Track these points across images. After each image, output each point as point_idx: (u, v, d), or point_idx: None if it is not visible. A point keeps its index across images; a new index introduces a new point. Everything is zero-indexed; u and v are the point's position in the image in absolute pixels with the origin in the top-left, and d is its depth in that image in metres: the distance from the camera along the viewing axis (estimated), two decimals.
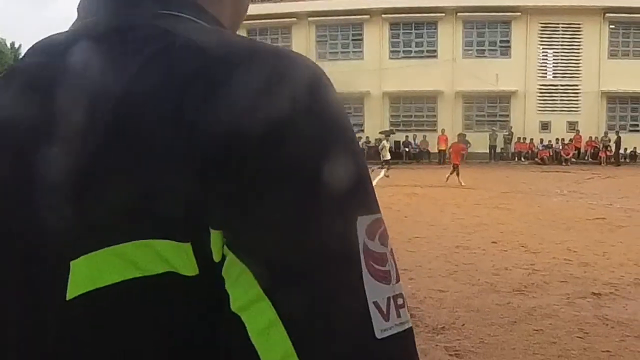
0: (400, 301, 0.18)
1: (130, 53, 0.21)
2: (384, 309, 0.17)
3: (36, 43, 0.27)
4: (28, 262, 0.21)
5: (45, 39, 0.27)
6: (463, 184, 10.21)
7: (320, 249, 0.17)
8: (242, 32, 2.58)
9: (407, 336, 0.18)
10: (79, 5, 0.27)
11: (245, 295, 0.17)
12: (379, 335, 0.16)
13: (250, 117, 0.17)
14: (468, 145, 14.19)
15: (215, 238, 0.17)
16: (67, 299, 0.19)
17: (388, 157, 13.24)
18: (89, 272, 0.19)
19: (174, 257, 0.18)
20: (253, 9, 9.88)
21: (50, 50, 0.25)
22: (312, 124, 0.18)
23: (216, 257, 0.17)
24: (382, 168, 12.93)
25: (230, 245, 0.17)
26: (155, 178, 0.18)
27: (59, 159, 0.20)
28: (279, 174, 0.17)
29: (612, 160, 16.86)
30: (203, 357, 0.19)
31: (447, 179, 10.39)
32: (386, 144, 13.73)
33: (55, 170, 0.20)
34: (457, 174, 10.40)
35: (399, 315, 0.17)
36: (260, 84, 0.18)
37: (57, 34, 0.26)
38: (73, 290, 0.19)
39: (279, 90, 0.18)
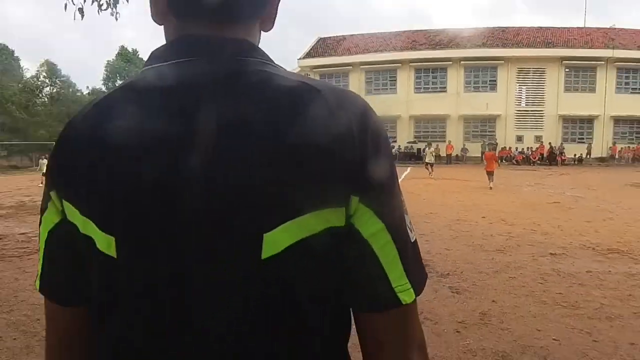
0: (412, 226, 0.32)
1: (259, 88, 0.29)
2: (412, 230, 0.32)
3: (151, 69, 0.31)
4: (225, 235, 0.27)
5: (166, 67, 0.30)
6: (491, 186, 10.38)
7: (402, 206, 0.31)
8: (315, 77, 12.21)
9: (417, 243, 0.32)
10: (166, 48, 0.32)
11: (373, 227, 0.28)
12: (412, 239, 0.31)
13: (352, 135, 0.27)
14: (494, 148, 16.64)
15: (354, 201, 0.28)
16: (264, 257, 0.26)
17: (432, 160, 14.71)
18: (283, 237, 0.26)
19: (333, 218, 0.27)
20: (323, 60, 20.76)
21: (185, 82, 0.29)
22: (381, 132, 0.31)
23: (352, 212, 0.28)
24: (425, 168, 14.69)
25: (364, 202, 0.28)
26: (320, 177, 0.27)
27: (223, 184, 0.27)
28: (385, 173, 0.30)
29: (565, 162, 20.31)
30: (341, 275, 0.29)
31: (491, 181, 10.55)
32: (428, 151, 15.59)
33: (223, 188, 0.27)
34: (491, 178, 10.61)
35: (412, 231, 0.32)
36: (356, 111, 0.30)
37: (172, 64, 0.30)
38: (272, 248, 0.26)
39: (365, 114, 0.30)
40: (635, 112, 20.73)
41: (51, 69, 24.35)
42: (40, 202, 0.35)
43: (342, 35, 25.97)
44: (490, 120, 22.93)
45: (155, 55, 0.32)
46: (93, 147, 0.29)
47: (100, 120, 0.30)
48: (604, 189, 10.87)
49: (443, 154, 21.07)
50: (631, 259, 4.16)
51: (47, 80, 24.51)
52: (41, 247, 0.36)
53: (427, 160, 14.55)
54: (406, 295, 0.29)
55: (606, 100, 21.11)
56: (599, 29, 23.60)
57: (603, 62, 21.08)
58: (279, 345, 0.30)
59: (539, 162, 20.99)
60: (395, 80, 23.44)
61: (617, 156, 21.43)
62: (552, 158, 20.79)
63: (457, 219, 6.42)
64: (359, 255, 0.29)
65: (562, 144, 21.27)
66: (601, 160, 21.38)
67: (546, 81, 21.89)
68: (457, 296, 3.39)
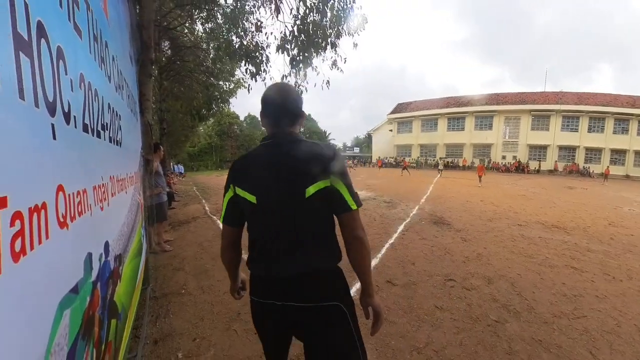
0: (357, 196, 1.01)
1: (297, 150, 0.98)
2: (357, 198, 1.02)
3: (261, 144, 1.04)
4: (287, 190, 0.96)
5: (263, 147, 1.04)
6: (480, 185, 14.48)
7: (350, 179, 0.99)
8: (396, 123, 44.83)
9: (358, 211, 1.01)
10: (268, 131, 1.06)
11: (341, 186, 0.97)
12: (355, 207, 1.01)
13: (329, 157, 0.98)
14: (483, 164, 22.77)
15: (331, 177, 0.96)
16: (306, 197, 0.94)
17: (442, 168, 23.23)
18: (311, 189, 0.94)
19: (324, 182, 0.96)
20: (400, 114, 45.38)
21: (265, 149, 1.02)
22: (340, 157, 0.99)
23: (330, 181, 0.97)
24: (438, 173, 22.29)
25: (334, 177, 0.96)
26: (321, 173, 0.95)
27: (285, 184, 0.97)
28: (341, 169, 0.98)
29: (529, 172, 29.75)
30: (331, 211, 1.01)
31: (480, 182, 15.08)
32: (440, 163, 25.89)
33: (285, 186, 0.97)
34: (480, 180, 15.24)
35: (358, 200, 1.02)
36: (329, 150, 1.00)
37: (266, 143, 1.03)
38: (308, 194, 0.93)
39: (331, 151, 1.01)
40: (572, 143, 31.46)
41: None
42: (224, 187, 1.08)
43: (410, 101, 45.68)
44: (487, 147, 35.46)
45: (263, 140, 1.03)
46: (245, 167, 1.02)
47: (247, 158, 1.03)
48: (550, 189, 13.98)
49: (461, 164, 35.30)
50: (565, 232, 5.52)
51: None
52: (224, 206, 1.05)
53: (439, 168, 23.28)
54: (354, 206, 0.92)
55: (554, 135, 31.90)
56: (553, 92, 34.59)
57: (554, 112, 31.60)
58: (313, 230, 0.96)
59: (514, 171, 31.14)
60: (436, 124, 38.58)
61: (559, 170, 31.19)
62: (521, 169, 31.35)
63: (466, 201, 9.33)
64: (335, 193, 0.91)
65: (527, 160, 32.65)
66: (549, 171, 31.04)
67: (520, 124, 33.55)
68: (464, 243, 4.78)
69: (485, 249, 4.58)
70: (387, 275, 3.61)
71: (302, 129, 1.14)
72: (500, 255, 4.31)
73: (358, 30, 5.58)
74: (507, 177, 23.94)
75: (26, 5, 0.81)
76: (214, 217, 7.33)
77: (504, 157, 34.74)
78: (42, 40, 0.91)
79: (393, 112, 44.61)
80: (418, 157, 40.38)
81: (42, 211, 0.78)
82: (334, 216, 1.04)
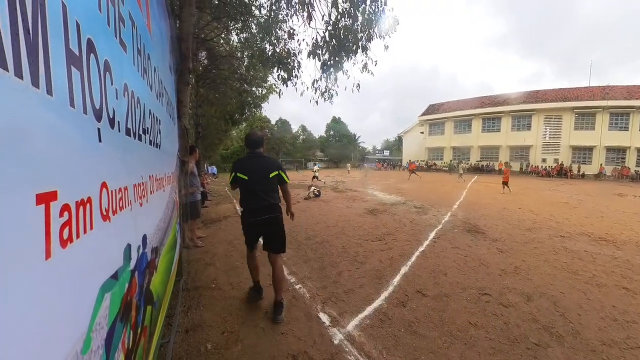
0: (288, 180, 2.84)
1: (263, 159, 2.80)
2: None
3: (246, 156, 2.88)
4: (261, 176, 2.75)
5: (247, 157, 2.86)
6: (510, 191, 13.14)
7: (285, 171, 2.85)
8: (427, 125, 43.42)
9: (288, 183, 2.87)
10: (247, 145, 2.84)
11: (283, 174, 2.82)
12: (288, 182, 2.86)
13: (279, 164, 2.85)
14: (510, 167, 19.70)
15: (279, 171, 2.82)
16: (270, 177, 2.77)
17: (462, 172, 21.01)
18: (273, 175, 2.78)
19: (276, 172, 2.80)
20: (431, 116, 43.06)
21: (248, 158, 2.82)
22: (282, 164, 2.87)
23: (277, 172, 2.80)
24: (460, 176, 20.68)
25: (280, 172, 2.81)
26: (275, 169, 2.79)
27: (260, 172, 2.76)
28: (283, 168, 2.83)
29: (572, 177, 26.00)
30: (278, 183, 2.85)
31: (505, 188, 13.23)
32: (461, 166, 22.66)
33: (260, 172, 2.76)
34: (506, 185, 13.28)
35: (288, 178, 2.87)
36: (278, 161, 2.88)
37: (249, 155, 2.86)
38: (271, 176, 2.79)
39: (279, 162, 2.88)
40: (621, 144, 27.59)
41: (303, 127, 53.67)
42: (230, 173, 2.88)
43: (442, 102, 43.99)
44: (525, 149, 32.67)
45: (248, 152, 2.86)
46: (241, 163, 2.82)
47: (242, 160, 2.84)
48: (597, 196, 12.73)
49: (497, 168, 31.97)
50: (615, 247, 4.90)
51: (300, 131, 54.13)
52: (230, 181, 2.86)
53: (460, 172, 20.85)
54: (288, 181, 2.80)
55: (601, 135, 28.37)
56: (598, 86, 31.19)
57: (600, 109, 28.09)
58: (272, 194, 2.80)
59: (555, 175, 27.54)
60: (470, 126, 36.38)
61: (605, 173, 27.09)
62: (563, 173, 27.49)
63: (502, 208, 8.66)
64: (281, 177, 2.78)
65: (570, 164, 29.08)
66: (595, 176, 27.18)
67: (562, 123, 30.16)
68: (501, 254, 4.45)
69: (523, 262, 4.22)
70: (417, 284, 3.47)
71: (263, 149, 2.93)
72: (540, 269, 3.97)
73: (389, 33, 5.51)
74: (547, 182, 21.90)
75: (78, 25, 0.92)
76: None
77: (544, 160, 31.75)
78: (92, 55, 1.02)
79: (424, 113, 42.89)
80: (450, 160, 38.19)
81: (88, 205, 0.88)
82: (279, 185, 2.87)
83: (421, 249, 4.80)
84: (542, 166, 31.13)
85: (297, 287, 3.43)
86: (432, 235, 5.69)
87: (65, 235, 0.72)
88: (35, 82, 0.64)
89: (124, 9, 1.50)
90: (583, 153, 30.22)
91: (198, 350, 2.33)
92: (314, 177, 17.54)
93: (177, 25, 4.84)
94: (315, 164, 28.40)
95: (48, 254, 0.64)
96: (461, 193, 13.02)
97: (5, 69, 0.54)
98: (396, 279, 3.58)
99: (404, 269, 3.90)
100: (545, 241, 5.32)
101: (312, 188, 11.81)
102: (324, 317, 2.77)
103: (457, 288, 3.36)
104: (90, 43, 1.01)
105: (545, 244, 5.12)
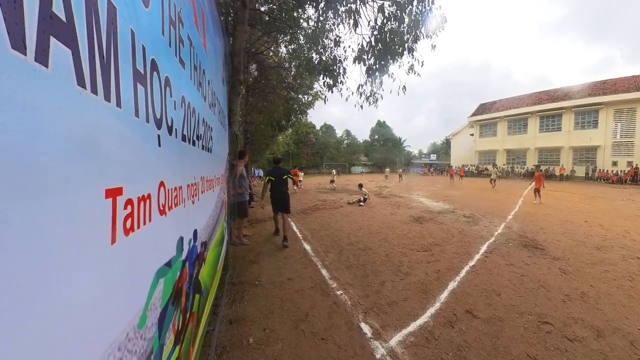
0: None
1: (281, 169, 5.45)
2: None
3: (274, 167, 5.53)
4: (280, 178, 5.44)
5: (273, 168, 5.55)
6: (536, 202, 10.93)
7: (291, 176, 5.72)
8: (477, 126, 39.24)
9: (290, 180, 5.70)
10: (274, 162, 5.69)
11: (290, 177, 5.67)
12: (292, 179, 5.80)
13: (289, 170, 5.52)
14: (542, 171, 15.06)
15: (289, 174, 5.63)
16: (284, 178, 5.49)
17: (495, 177, 18.83)
18: (285, 177, 5.53)
19: (288, 175, 5.61)
20: (482, 116, 39.09)
21: (274, 168, 5.46)
22: (290, 171, 5.51)
23: (287, 176, 5.63)
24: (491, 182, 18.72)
25: (290, 175, 5.61)
26: (286, 174, 5.48)
27: (280, 176, 5.42)
28: (290, 174, 5.63)
29: None
30: (288, 182, 5.61)
31: (537, 197, 11.12)
32: (494, 171, 19.79)
33: (280, 176, 5.41)
34: (537, 193, 11.24)
35: (294, 180, 9.64)
36: (288, 170, 5.48)
37: (274, 167, 5.53)
38: (284, 178, 5.51)
39: (288, 169, 5.50)
40: None
41: (347, 131, 53.88)
42: (264, 177, 6.23)
43: (494, 100, 40.67)
44: (592, 150, 28.14)
45: (274, 165, 5.62)
46: (272, 171, 5.46)
47: (272, 170, 5.46)
48: None
49: (557, 173, 28.59)
50: None
51: (344, 136, 54.33)
52: (264, 183, 5.49)
53: (492, 178, 18.83)
54: (292, 177, 5.66)
55: None
56: None
57: None
58: (285, 186, 5.44)
59: (629, 182, 23.34)
60: (526, 126, 32.89)
61: None
62: (639, 179, 23.16)
63: (565, 220, 7.56)
64: (288, 177, 5.54)
65: None
66: None
67: (636, 118, 25.37)
68: (564, 275, 3.88)
69: (592, 287, 3.60)
70: (467, 303, 3.14)
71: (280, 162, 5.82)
72: (613, 298, 3.34)
73: (437, 31, 5.31)
74: (619, 189, 18.63)
75: (144, 48, 1.06)
76: (288, 219, 7.75)
77: (614, 164, 26.88)
78: (154, 73, 1.17)
79: (474, 113, 39.75)
80: (503, 165, 34.98)
81: (148, 200, 1.00)
82: (288, 182, 5.50)
83: (471, 263, 4.43)
84: (612, 171, 26.56)
85: (339, 293, 3.36)
86: (483, 248, 5.23)
87: (128, 225, 0.84)
88: (107, 97, 0.76)
89: (184, 31, 1.68)
90: None
91: (241, 343, 2.43)
92: (332, 180, 19.68)
93: (231, 42, 5.22)
94: (333, 170, 30.56)
95: (113, 240, 0.75)
96: (517, 202, 11.81)
97: (83, 86, 0.66)
98: (443, 295, 3.34)
99: (452, 285, 3.62)
100: (618, 263, 4.54)
101: (361, 194, 11.60)
102: (366, 328, 2.67)
103: (512, 312, 3.00)
104: (153, 62, 1.16)
105: (618, 267, 4.35)
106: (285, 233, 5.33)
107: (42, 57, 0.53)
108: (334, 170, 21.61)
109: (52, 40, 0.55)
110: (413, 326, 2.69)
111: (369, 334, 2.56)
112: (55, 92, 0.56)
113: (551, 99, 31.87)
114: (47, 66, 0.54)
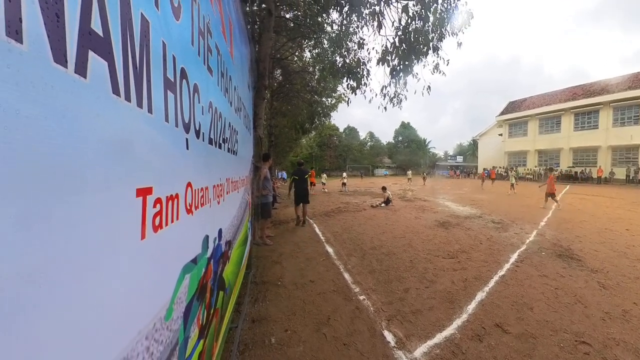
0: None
1: (303, 170, 7.21)
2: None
3: (298, 168, 7.35)
4: (302, 177, 7.29)
5: (297, 169, 7.33)
6: (559, 206, 10.38)
7: (308, 176, 7.73)
8: (506, 126, 36.53)
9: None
10: (297, 164, 7.68)
11: (309, 176, 8.56)
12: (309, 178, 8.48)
13: (308, 171, 7.36)
14: (554, 174, 12.89)
15: (307, 175, 7.58)
16: (305, 177, 7.33)
17: (514, 181, 16.84)
18: (307, 176, 7.43)
19: (307, 176, 7.45)
20: (511, 115, 36.23)
21: (297, 169, 7.22)
22: (309, 171, 7.87)
23: (307, 177, 7.55)
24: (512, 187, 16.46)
25: (308, 176, 7.51)
26: (306, 174, 7.30)
27: (302, 176, 7.21)
28: (309, 173, 7.59)
29: None
30: (308, 180, 7.47)
31: (556, 202, 10.54)
32: (510, 174, 18.62)
33: (302, 176, 7.18)
34: (552, 198, 10.55)
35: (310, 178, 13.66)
36: (307, 170, 7.34)
37: (297, 168, 7.39)
38: (305, 177, 7.39)
39: (308, 170, 7.43)
40: None
41: (371, 133, 53.46)
42: (291, 176, 7.45)
43: (524, 98, 38.22)
44: (633, 149, 25.43)
45: (298, 167, 7.42)
46: (296, 171, 7.26)
47: (296, 170, 7.26)
48: None
49: (594, 176, 26.18)
50: None
51: (367, 138, 53.89)
52: (290, 181, 7.39)
53: (511, 182, 16.72)
54: (309, 176, 9.52)
55: None
56: None
57: None
58: (306, 183, 7.23)
59: None
60: (559, 124, 30.45)
61: None
62: None
63: (604, 228, 6.96)
64: (309, 177, 7.60)
65: None
66: None
67: None
68: (603, 290, 3.52)
69: (635, 305, 3.23)
70: (496, 316, 2.93)
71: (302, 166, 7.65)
72: None
73: (463, 28, 5.13)
74: None
75: (174, 58, 1.12)
76: (311, 221, 7.76)
77: None
78: (184, 80, 1.23)
79: (503, 112, 37.39)
80: (535, 167, 32.69)
81: (176, 200, 1.06)
82: (308, 181, 7.24)
83: (501, 273, 4.16)
84: None
85: (361, 298, 3.27)
86: (513, 257, 4.90)
87: (157, 222, 0.89)
88: (139, 104, 0.81)
89: (212, 41, 1.76)
90: None
91: (263, 342, 2.44)
92: (343, 183, 19.48)
93: (256, 49, 5.37)
94: (344, 172, 30.97)
95: (143, 236, 0.80)
96: (550, 207, 10.95)
97: (118, 95, 0.71)
98: (471, 306, 3.15)
99: (480, 295, 3.41)
100: None
101: (384, 196, 11.36)
102: (389, 337, 2.57)
103: (546, 329, 2.76)
104: (183, 71, 1.22)
105: None
106: (304, 217, 7.21)
107: (81, 69, 0.58)
108: (344, 173, 21.89)
109: (90, 53, 0.60)
110: (439, 337, 2.56)
111: (392, 343, 2.47)
112: (92, 100, 0.61)
113: (587, 94, 29.22)
114: (85, 77, 0.59)
